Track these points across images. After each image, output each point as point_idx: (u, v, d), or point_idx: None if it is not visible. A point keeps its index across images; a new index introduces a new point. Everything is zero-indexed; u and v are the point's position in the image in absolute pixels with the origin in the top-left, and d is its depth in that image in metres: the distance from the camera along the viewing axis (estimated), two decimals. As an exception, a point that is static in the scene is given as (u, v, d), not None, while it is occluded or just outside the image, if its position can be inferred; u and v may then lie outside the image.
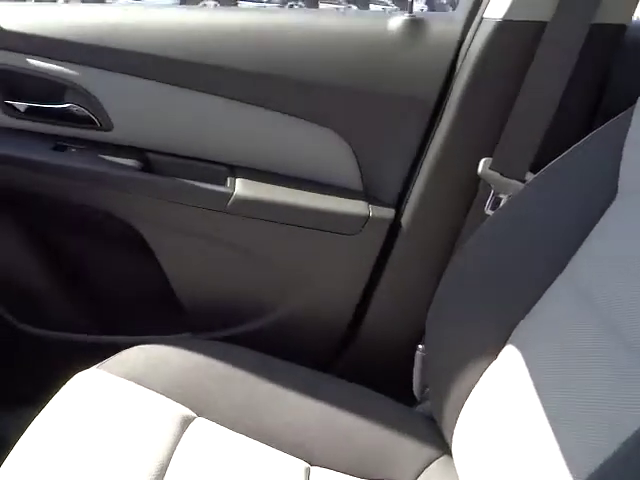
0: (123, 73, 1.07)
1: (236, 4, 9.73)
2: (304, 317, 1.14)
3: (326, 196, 1.09)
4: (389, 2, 13.53)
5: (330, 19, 1.11)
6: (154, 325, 1.17)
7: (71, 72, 1.06)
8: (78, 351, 1.17)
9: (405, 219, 1.09)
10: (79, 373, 0.88)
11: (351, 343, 1.18)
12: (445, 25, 1.07)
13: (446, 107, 1.04)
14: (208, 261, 1.12)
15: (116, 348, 0.94)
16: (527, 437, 0.65)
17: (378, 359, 1.17)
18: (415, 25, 1.05)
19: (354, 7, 12.31)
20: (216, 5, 9.72)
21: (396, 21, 1.06)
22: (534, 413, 0.65)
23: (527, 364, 0.69)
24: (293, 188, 1.09)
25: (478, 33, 1.01)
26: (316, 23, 1.09)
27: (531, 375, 0.68)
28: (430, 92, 1.05)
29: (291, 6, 11.31)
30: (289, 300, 1.14)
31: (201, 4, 9.73)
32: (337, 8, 11.60)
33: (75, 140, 1.10)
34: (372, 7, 12.90)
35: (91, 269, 1.19)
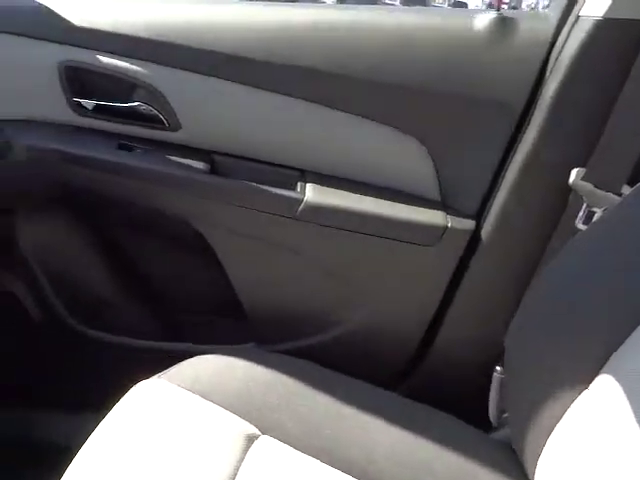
0: (193, 71, 1.03)
1: None
2: (373, 332, 1.08)
3: (401, 205, 1.03)
4: (445, 4, 13.38)
5: (409, 16, 1.05)
6: (217, 333, 1.13)
7: (140, 69, 1.03)
8: (140, 357, 1.14)
9: (486, 231, 1.02)
10: (141, 382, 0.86)
11: (421, 361, 1.11)
12: (536, 24, 1.00)
13: (535, 112, 0.97)
14: (275, 269, 1.07)
15: (179, 355, 0.92)
16: (622, 473, 0.59)
17: (449, 380, 1.10)
18: (503, 24, 0.98)
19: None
20: None
21: (483, 19, 0.99)
22: (632, 447, 0.58)
23: (625, 395, 0.63)
24: (366, 195, 1.03)
25: (573, 32, 0.93)
26: (394, 21, 1.03)
27: (630, 407, 0.62)
28: (518, 96, 0.98)
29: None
30: (358, 313, 1.08)
31: None
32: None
33: (141, 140, 1.07)
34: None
35: (155, 273, 1.16)
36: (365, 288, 1.06)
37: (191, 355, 0.97)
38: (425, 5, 12.45)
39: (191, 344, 1.12)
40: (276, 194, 1.02)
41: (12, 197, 1.05)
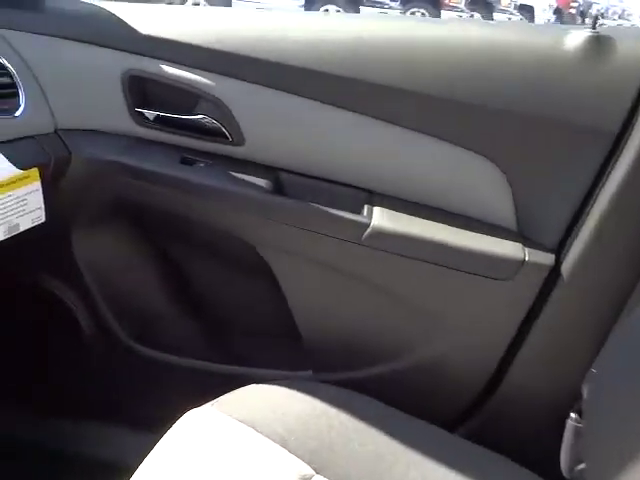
0: (259, 84, 0.98)
1: (358, 10, 9.72)
2: (438, 367, 1.01)
3: (475, 233, 0.95)
4: (514, 11, 13.14)
5: (493, 31, 0.98)
6: (272, 358, 1.08)
7: (205, 81, 0.99)
8: (191, 377, 1.10)
9: (567, 267, 0.94)
10: (193, 410, 0.84)
11: (487, 401, 1.04)
12: (636, 43, 0.91)
13: (629, 141, 0.88)
14: (336, 295, 1.01)
15: (233, 378, 0.93)
16: None
17: (515, 423, 1.02)
18: (599, 42, 0.90)
19: (477, 15, 12.08)
20: (338, 11, 9.73)
21: (576, 37, 0.91)
22: None
23: None
24: (438, 222, 0.97)
25: None
26: (473, 36, 0.96)
27: None
28: (612, 122, 0.90)
29: (413, 13, 11.23)
30: (423, 346, 1.01)
31: (322, 9, 9.79)
32: (460, 16, 11.39)
33: (203, 153, 1.02)
34: (495, 16, 12.59)
35: (209, 291, 1.12)
36: (433, 320, 0.99)
37: (244, 379, 0.95)
38: (491, 8, 12.23)
39: (245, 368, 1.07)
40: (341, 217, 0.96)
41: (70, 208, 1.02)
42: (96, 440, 1.15)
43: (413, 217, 0.97)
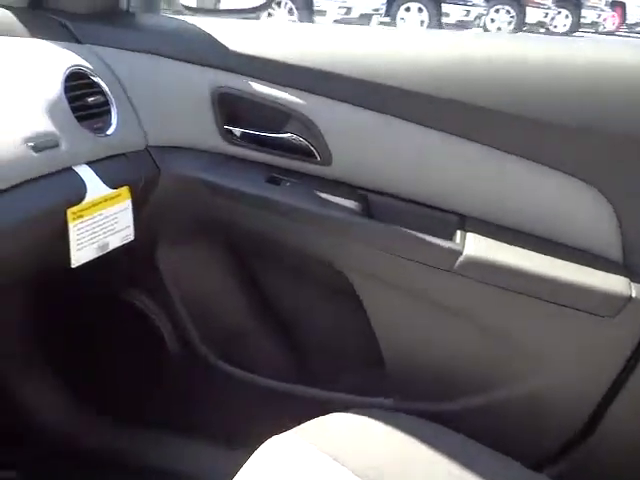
0: (350, 104, 0.95)
1: (440, 7, 9.55)
2: (531, 405, 0.96)
3: (577, 265, 0.89)
4: (605, 8, 12.64)
5: (596, 50, 0.92)
6: (354, 382, 1.05)
7: (295, 99, 0.96)
8: (276, 398, 1.09)
9: None
10: (276, 436, 0.83)
11: (581, 443, 0.97)
12: None
13: None
14: (423, 323, 0.97)
15: (315, 402, 0.95)
16: None
17: (611, 468, 0.96)
18: None
19: (564, 11, 11.67)
20: (420, 9, 9.57)
21: None
22: None
23: None
24: (536, 251, 0.91)
25: None
26: (581, 55, 0.90)
27: None
28: None
29: (497, 10, 10.96)
30: (516, 382, 0.96)
31: (404, 7, 9.67)
32: (546, 13, 11.03)
33: (290, 172, 1.00)
34: (584, 12, 12.14)
35: (293, 312, 1.09)
36: (526, 355, 0.94)
37: (326, 404, 0.95)
38: (579, 4, 11.80)
39: (327, 392, 1.05)
40: (432, 244, 0.92)
41: (156, 224, 1.02)
42: (175, 454, 1.15)
43: (509, 245, 0.92)
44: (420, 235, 0.92)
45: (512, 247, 0.91)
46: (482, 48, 0.94)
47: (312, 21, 8.13)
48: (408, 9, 9.63)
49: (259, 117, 0.99)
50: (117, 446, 1.16)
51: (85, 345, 1.14)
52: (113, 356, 1.13)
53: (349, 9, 8.68)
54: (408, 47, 0.96)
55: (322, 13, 8.59)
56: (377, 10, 9.04)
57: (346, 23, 8.62)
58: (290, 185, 0.99)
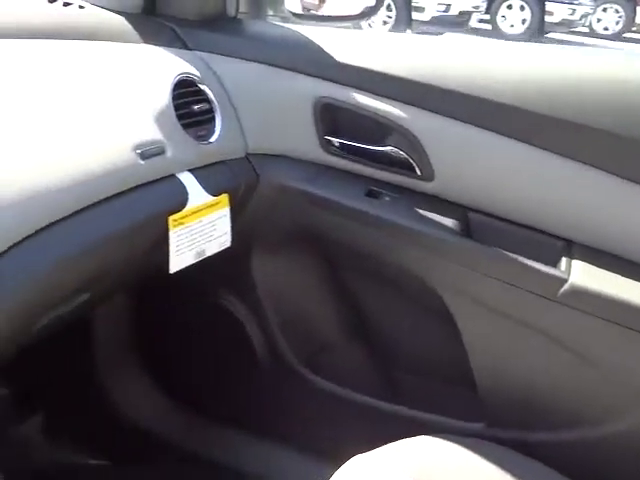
0: (455, 119, 0.92)
1: (544, 6, 9.23)
2: (627, 441, 0.90)
3: None
4: None
5: None
6: (444, 404, 1.02)
7: (397, 112, 0.94)
8: (361, 412, 1.07)
9: None
10: (360, 455, 0.81)
11: None
12: None
13: None
14: (520, 349, 0.94)
15: (400, 420, 0.93)
16: None
17: None
18: None
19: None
20: (522, 7, 9.28)
21: None
22: None
23: None
24: None
25: None
26: None
27: None
28: None
29: (604, 10, 10.48)
30: (612, 416, 0.91)
31: (505, 5, 9.40)
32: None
33: (390, 185, 0.98)
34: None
35: (386, 327, 1.08)
36: (629, 390, 0.88)
37: (412, 423, 0.95)
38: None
39: (414, 411, 1.03)
40: (534, 269, 0.88)
41: (252, 232, 1.03)
42: (259, 458, 1.16)
43: (617, 275, 0.87)
44: (522, 259, 0.89)
45: (621, 277, 0.87)
46: (597, 66, 0.89)
47: (410, 18, 8.04)
48: (510, 7, 9.36)
49: (360, 129, 0.98)
50: (205, 445, 1.18)
51: (178, 346, 1.17)
52: (204, 358, 1.15)
53: (448, 6, 8.53)
54: (519, 62, 0.93)
55: (420, 10, 8.48)
56: (477, 7, 8.83)
57: (444, 20, 8.48)
58: (389, 199, 0.97)
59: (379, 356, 1.09)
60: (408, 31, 7.73)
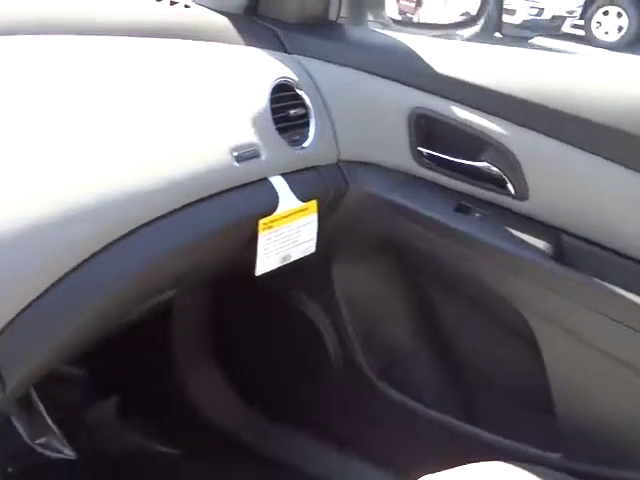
0: (553, 138, 0.89)
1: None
2: None
3: None
4: None
5: None
6: (521, 429, 0.99)
7: (494, 127, 0.92)
8: (433, 429, 1.06)
9: None
10: (428, 476, 0.78)
11: None
12: None
13: None
14: (608, 383, 0.90)
15: (474, 442, 0.92)
16: None
17: None
18: None
19: None
20: (619, 14, 8.94)
21: None
22: None
23: None
24: None
25: None
26: None
27: None
28: None
29: None
30: None
31: (601, 11, 9.06)
32: None
33: (480, 202, 0.96)
34: None
35: (465, 345, 1.06)
36: None
37: (485, 446, 0.93)
38: None
39: (488, 433, 1.00)
40: (628, 300, 0.84)
41: (336, 238, 1.02)
42: (327, 463, 1.15)
43: None
44: (615, 288, 0.85)
45: None
46: None
47: (500, 21, 7.85)
48: (606, 13, 9.01)
49: (454, 142, 0.96)
50: (273, 446, 1.18)
51: (253, 347, 1.17)
52: (278, 361, 1.15)
53: (541, 10, 8.28)
54: (627, 84, 0.88)
55: (511, 12, 8.26)
56: (571, 12, 8.54)
57: (536, 24, 8.24)
58: (479, 216, 0.95)
59: (456, 373, 1.07)
60: (497, 34, 7.55)
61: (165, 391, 1.22)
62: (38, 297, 0.58)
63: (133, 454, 1.24)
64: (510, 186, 0.93)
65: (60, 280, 0.60)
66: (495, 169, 0.94)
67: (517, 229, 0.92)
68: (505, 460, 0.83)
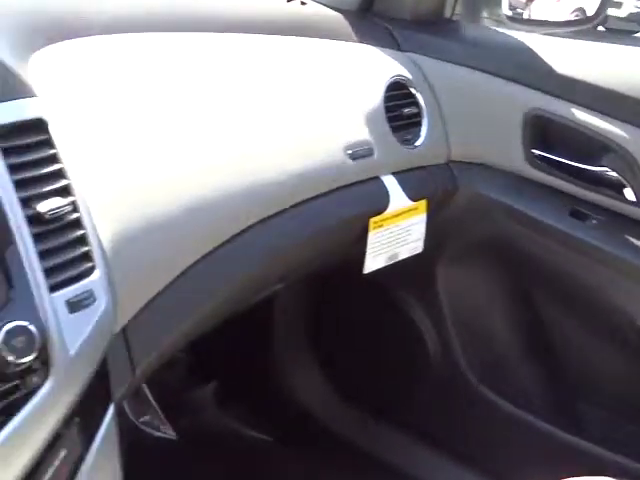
0: None
1: None
2: None
3: None
4: None
5: None
6: (629, 444, 0.96)
7: (618, 131, 0.88)
8: (534, 437, 1.03)
9: None
10: None
11: None
12: None
13: None
14: None
15: (577, 452, 0.90)
16: None
17: None
18: None
19: None
20: None
21: None
22: None
23: None
24: None
25: None
26: None
27: None
28: None
29: None
30: None
31: None
32: None
33: (596, 207, 0.93)
34: None
35: (571, 354, 1.02)
36: None
37: (587, 456, 0.91)
38: None
39: (592, 445, 0.97)
40: None
41: (442, 238, 1.01)
42: (422, 463, 1.15)
43: None
44: None
45: None
46: None
47: (605, 14, 7.53)
48: None
49: (571, 145, 0.93)
50: (367, 441, 1.19)
51: (353, 342, 1.18)
52: (378, 357, 1.15)
53: (649, 2, 7.87)
54: None
55: (618, 5, 7.90)
56: (683, 5, 8.09)
57: (643, 18, 7.85)
58: (596, 222, 0.91)
59: (559, 382, 1.04)
60: (600, 28, 7.24)
61: (263, 380, 1.24)
62: (171, 282, 0.60)
63: (229, 438, 1.28)
64: (631, 192, 0.90)
65: (189, 268, 0.62)
66: (613, 173, 0.91)
67: (637, 237, 0.89)
68: (612, 475, 0.80)
